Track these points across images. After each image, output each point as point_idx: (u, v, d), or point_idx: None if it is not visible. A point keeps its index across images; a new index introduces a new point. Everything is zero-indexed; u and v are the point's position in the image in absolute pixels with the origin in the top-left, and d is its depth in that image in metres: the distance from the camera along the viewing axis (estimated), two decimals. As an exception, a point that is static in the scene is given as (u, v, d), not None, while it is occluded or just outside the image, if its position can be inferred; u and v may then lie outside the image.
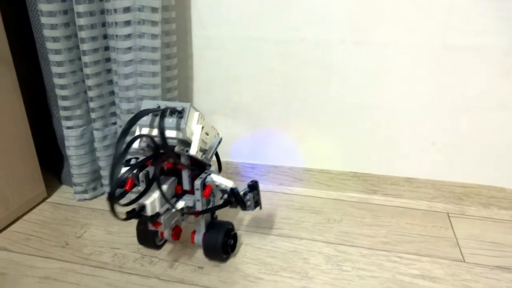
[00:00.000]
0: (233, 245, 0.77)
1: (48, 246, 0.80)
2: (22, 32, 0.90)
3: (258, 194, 0.73)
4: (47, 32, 0.78)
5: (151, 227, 0.65)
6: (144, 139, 0.64)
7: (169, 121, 0.64)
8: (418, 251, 0.79)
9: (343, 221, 0.88)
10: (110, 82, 0.85)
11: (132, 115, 0.80)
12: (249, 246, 0.80)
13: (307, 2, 0.82)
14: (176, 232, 0.75)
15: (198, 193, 0.69)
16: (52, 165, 1.04)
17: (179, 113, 0.65)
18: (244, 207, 0.71)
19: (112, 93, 0.86)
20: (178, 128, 0.65)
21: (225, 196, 0.72)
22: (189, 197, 0.71)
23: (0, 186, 0.82)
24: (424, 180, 0.92)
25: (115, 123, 0.88)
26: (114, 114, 0.88)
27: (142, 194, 0.67)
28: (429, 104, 0.86)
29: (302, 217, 0.89)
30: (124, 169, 0.68)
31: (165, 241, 0.80)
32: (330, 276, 0.72)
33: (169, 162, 0.72)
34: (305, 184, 0.98)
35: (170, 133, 0.65)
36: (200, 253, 0.78)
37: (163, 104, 0.66)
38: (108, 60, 0.83)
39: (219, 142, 0.73)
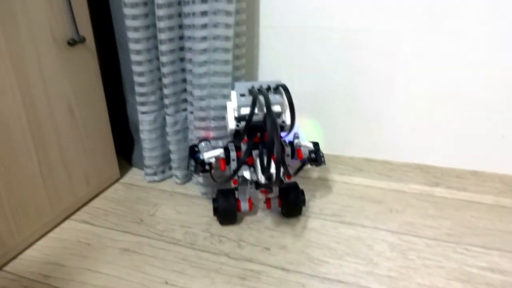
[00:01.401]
0: (305, 199, 0.85)
1: (125, 222, 0.86)
2: (100, 25, 0.97)
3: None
4: (129, 22, 0.83)
5: (261, 195, 0.76)
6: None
7: (276, 97, 0.73)
8: (485, 244, 0.78)
9: (406, 212, 0.88)
10: (183, 70, 0.90)
11: (204, 101, 0.85)
12: (313, 231, 0.82)
13: (377, -8, 0.83)
14: (251, 203, 0.83)
15: (288, 159, 0.77)
16: (123, 148, 1.11)
17: (274, 90, 0.74)
18: (320, 162, 0.80)
19: (184, 80, 0.91)
20: (280, 103, 0.73)
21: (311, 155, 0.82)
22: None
23: (82, 165, 0.90)
24: (491, 174, 0.90)
25: (185, 109, 0.93)
26: (185, 100, 0.93)
27: (267, 167, 0.70)
28: (501, 95, 0.84)
29: (363, 206, 0.90)
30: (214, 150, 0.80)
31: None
32: (396, 264, 0.73)
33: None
34: (366, 175, 0.99)
35: (276, 108, 0.73)
36: (265, 234, 0.81)
37: (256, 84, 0.73)
38: (182, 49, 0.88)
39: None
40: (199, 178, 0.93)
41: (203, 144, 0.83)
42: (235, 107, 0.73)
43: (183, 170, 0.98)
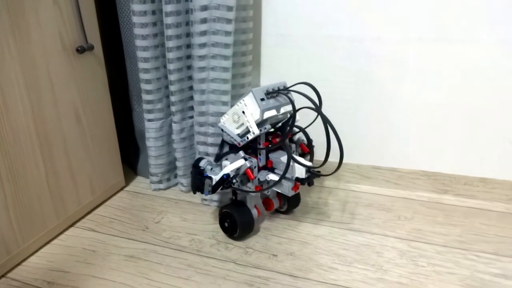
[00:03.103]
0: None
1: (130, 229, 0.85)
2: (108, 33, 0.98)
3: None
4: (137, 31, 0.84)
5: (291, 192, 0.74)
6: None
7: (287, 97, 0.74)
8: (496, 251, 0.76)
9: (414, 219, 0.86)
10: (190, 78, 0.90)
11: (203, 106, 0.85)
12: (321, 238, 0.81)
13: (382, -1, 0.84)
14: (258, 209, 0.83)
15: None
16: (128, 157, 1.11)
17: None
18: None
19: (191, 88, 0.91)
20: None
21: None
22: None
23: (88, 172, 0.89)
24: (501, 181, 0.89)
25: (191, 117, 0.93)
26: (191, 108, 0.93)
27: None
28: (509, 101, 0.83)
29: (371, 214, 0.89)
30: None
31: None
32: (406, 270, 0.72)
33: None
34: (373, 182, 0.98)
35: (289, 107, 0.74)
36: (272, 241, 0.80)
37: (269, 87, 0.73)
38: (189, 57, 0.88)
39: None
40: (213, 196, 0.92)
41: (204, 162, 0.80)
42: (254, 112, 0.72)
43: (189, 178, 0.98)
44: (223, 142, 0.80)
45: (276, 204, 0.85)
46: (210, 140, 0.88)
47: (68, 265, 0.75)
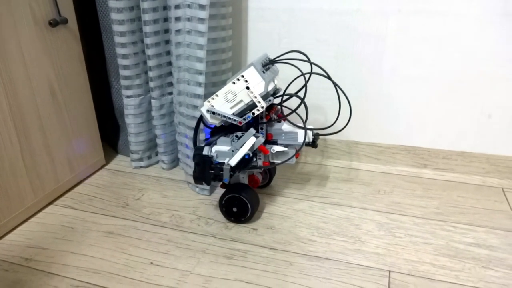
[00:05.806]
0: None
1: (109, 206, 0.85)
2: (83, 7, 0.95)
3: None
4: (112, 3, 0.82)
5: (294, 159, 0.77)
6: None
7: (274, 69, 0.75)
8: (472, 222, 0.78)
9: (394, 193, 0.88)
10: (168, 52, 0.88)
11: (181, 84, 0.83)
12: (300, 212, 0.82)
13: (362, -29, 0.82)
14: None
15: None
16: (108, 136, 1.09)
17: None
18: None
19: (169, 63, 0.90)
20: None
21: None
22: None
23: (66, 150, 0.88)
24: (478, 154, 0.90)
25: (171, 93, 0.92)
26: (170, 84, 0.91)
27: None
28: (487, 75, 0.84)
29: (351, 188, 0.90)
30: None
31: None
32: (383, 241, 0.73)
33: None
34: (354, 158, 0.99)
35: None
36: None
37: (261, 59, 0.72)
38: (167, 31, 0.87)
39: None
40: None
41: (207, 149, 0.74)
42: (257, 86, 0.69)
43: (170, 155, 0.97)
44: (198, 127, 0.78)
45: (260, 179, 0.85)
46: (187, 122, 0.87)
47: (46, 242, 0.74)
